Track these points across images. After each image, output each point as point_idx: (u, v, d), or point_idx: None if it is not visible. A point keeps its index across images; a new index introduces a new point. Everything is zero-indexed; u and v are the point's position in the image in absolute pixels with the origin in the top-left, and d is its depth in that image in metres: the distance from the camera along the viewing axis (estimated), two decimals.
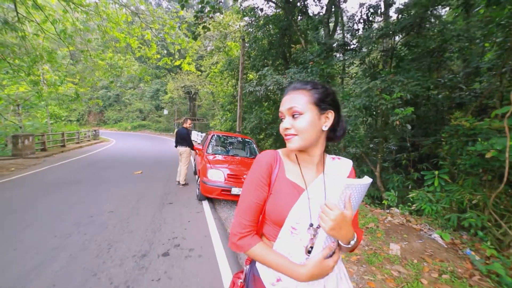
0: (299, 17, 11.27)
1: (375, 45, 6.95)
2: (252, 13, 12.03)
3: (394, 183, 6.07)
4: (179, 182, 6.38)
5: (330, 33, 9.85)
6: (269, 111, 11.97)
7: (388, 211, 5.14)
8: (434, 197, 4.58)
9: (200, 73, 26.88)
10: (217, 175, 4.72)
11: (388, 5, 7.66)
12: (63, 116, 23.13)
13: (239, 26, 16.72)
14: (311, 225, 0.83)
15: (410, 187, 5.91)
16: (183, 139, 6.18)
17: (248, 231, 0.89)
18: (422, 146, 6.62)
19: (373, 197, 6.71)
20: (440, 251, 3.35)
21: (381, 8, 7.80)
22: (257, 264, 0.93)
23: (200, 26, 8.52)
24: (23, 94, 12.58)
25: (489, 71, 6.07)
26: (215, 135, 6.70)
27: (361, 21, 8.03)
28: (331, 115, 0.87)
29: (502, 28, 5.36)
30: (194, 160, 7.25)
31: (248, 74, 14.02)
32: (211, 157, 5.51)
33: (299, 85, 0.89)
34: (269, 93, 8.60)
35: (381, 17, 8.26)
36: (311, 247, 0.82)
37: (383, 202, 5.39)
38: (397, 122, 4.71)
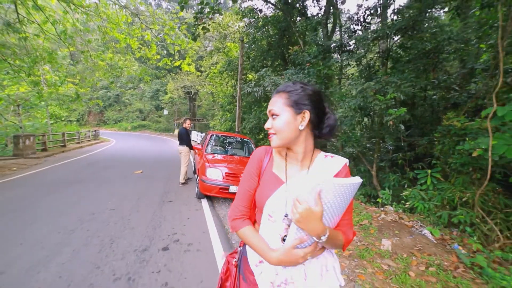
0: (298, 18, 11.39)
1: (371, 47, 7.07)
2: (251, 14, 12.14)
3: (390, 182, 6.19)
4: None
5: (329, 34, 9.98)
6: None
7: (382, 209, 5.26)
8: (426, 195, 4.73)
9: (200, 73, 27.01)
10: (215, 174, 4.86)
11: (385, 7, 7.78)
12: (63, 116, 23.26)
13: (239, 27, 16.86)
14: (286, 215, 0.93)
15: (406, 186, 6.03)
16: (182, 138, 6.36)
17: (240, 215, 1.03)
18: (418, 145, 6.74)
19: (370, 196, 6.83)
20: (429, 246, 3.49)
21: (379, 9, 7.91)
22: (246, 246, 1.07)
23: (200, 27, 8.65)
24: (23, 94, 12.69)
25: (485, 72, 6.19)
26: (214, 135, 6.84)
27: (358, 22, 8.15)
28: (307, 115, 0.92)
29: (496, 30, 5.49)
30: (194, 159, 7.38)
31: (248, 75, 14.15)
32: (210, 157, 5.65)
33: (281, 88, 0.97)
34: (268, 94, 8.73)
35: (379, 17, 8.38)
36: (286, 236, 0.91)
37: (377, 200, 5.52)
38: (391, 122, 4.84)
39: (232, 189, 4.74)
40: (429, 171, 4.93)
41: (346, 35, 8.71)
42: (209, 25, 11.96)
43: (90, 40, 10.75)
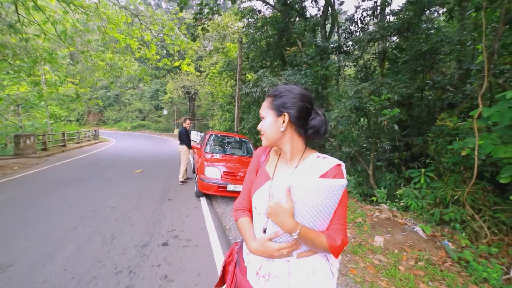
0: (297, 19, 11.48)
1: (367, 48, 7.19)
2: (250, 14, 12.23)
3: (386, 181, 6.31)
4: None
5: (327, 35, 10.09)
6: None
7: (377, 207, 5.38)
8: (420, 193, 4.85)
9: (199, 73, 27.11)
10: (214, 173, 4.98)
11: (383, 9, 7.89)
12: (62, 116, 23.34)
13: (238, 27, 16.96)
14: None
15: (402, 185, 6.15)
16: (181, 138, 6.55)
17: (241, 206, 1.14)
18: (414, 145, 6.86)
19: (366, 195, 6.95)
20: (420, 242, 3.61)
21: (376, 10, 8.02)
22: None
23: (199, 28, 8.76)
24: (23, 94, 12.77)
25: (480, 73, 6.31)
26: (213, 135, 6.96)
27: (355, 24, 8.26)
28: (286, 117, 0.95)
29: (490, 31, 5.62)
30: (193, 159, 7.50)
31: (247, 75, 14.25)
32: (208, 156, 5.76)
33: (270, 92, 1.03)
34: (267, 93, 8.82)
35: (377, 18, 8.49)
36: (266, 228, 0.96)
37: (372, 198, 5.64)
38: (385, 123, 4.96)
39: (230, 187, 4.86)
40: (422, 170, 5.05)
41: (343, 36, 8.82)
42: (208, 25, 12.06)
43: (90, 40, 10.85)
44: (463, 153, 3.57)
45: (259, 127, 1.06)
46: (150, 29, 10.52)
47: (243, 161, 5.81)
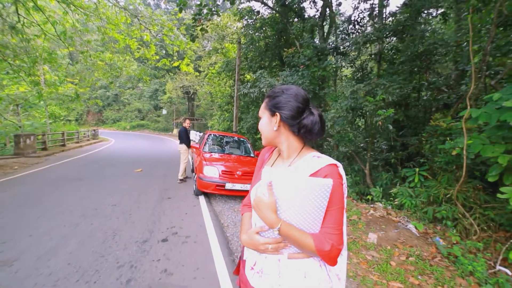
0: (296, 19, 11.58)
1: (363, 50, 7.30)
2: (249, 15, 12.32)
3: (383, 181, 6.42)
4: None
5: (325, 36, 10.19)
6: None
7: (372, 205, 5.50)
8: (414, 192, 4.97)
9: (198, 73, 27.19)
10: (212, 172, 5.08)
11: (380, 12, 8.00)
12: (61, 115, 23.39)
13: (237, 27, 17.06)
14: None
15: (398, 184, 6.26)
16: (181, 137, 6.71)
17: (247, 202, 1.18)
18: (410, 145, 6.97)
19: (363, 194, 7.06)
20: (412, 238, 3.73)
21: (373, 12, 8.13)
22: None
23: (198, 28, 8.85)
24: (22, 94, 12.83)
25: (478, 73, 6.41)
26: (212, 135, 7.08)
27: (352, 25, 8.37)
28: (278, 117, 0.98)
29: (485, 33, 5.74)
30: (192, 158, 7.61)
31: (245, 75, 14.35)
32: (207, 155, 5.87)
33: (269, 93, 1.05)
34: (265, 94, 8.93)
35: (373, 20, 8.61)
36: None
37: (367, 197, 5.75)
38: (380, 123, 5.07)
39: (228, 186, 4.97)
40: (417, 169, 5.17)
41: (340, 38, 8.93)
42: (207, 26, 12.13)
43: (89, 40, 10.93)
44: (454, 153, 3.69)
45: (259, 126, 1.12)
46: (150, 29, 10.60)
47: (241, 160, 5.93)
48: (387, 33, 6.16)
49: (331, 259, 0.86)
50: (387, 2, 7.61)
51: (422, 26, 7.00)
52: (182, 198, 5.28)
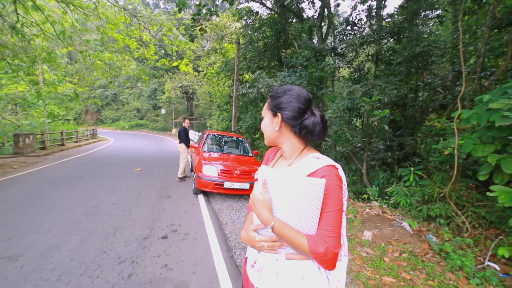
0: (294, 20, 11.66)
1: (361, 51, 7.40)
2: (248, 15, 12.39)
3: (379, 180, 6.53)
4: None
5: (323, 36, 10.29)
6: None
7: (368, 204, 5.60)
8: (409, 191, 5.07)
9: (197, 73, 27.24)
10: (211, 171, 5.17)
11: (378, 14, 8.09)
12: (60, 115, 23.37)
13: (235, 28, 17.13)
14: None
15: (394, 183, 6.36)
16: (180, 137, 6.83)
17: None
18: (407, 145, 7.08)
19: (360, 193, 7.17)
20: (406, 236, 3.83)
21: (371, 13, 8.22)
22: None
23: (197, 28, 8.90)
24: (21, 93, 12.83)
25: (470, 74, 6.53)
26: (210, 134, 7.16)
27: (350, 26, 8.47)
28: (279, 117, 0.98)
29: (480, 35, 5.84)
30: (191, 157, 7.69)
31: (244, 75, 14.42)
32: (206, 155, 5.95)
33: (271, 93, 1.06)
34: (263, 95, 9.04)
35: (370, 22, 8.71)
36: None
37: (363, 196, 5.86)
38: (375, 123, 5.17)
39: (227, 185, 5.05)
40: (412, 168, 5.27)
41: (338, 39, 9.02)
42: (206, 26, 12.17)
43: (89, 40, 10.97)
44: (446, 152, 3.79)
45: (261, 126, 1.12)
46: (149, 29, 10.65)
47: (240, 159, 6.02)
48: (384, 34, 6.25)
49: (326, 262, 0.83)
50: (383, 3, 7.71)
51: (420, 27, 7.12)
52: (182, 197, 5.36)
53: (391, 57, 7.53)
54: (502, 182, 3.05)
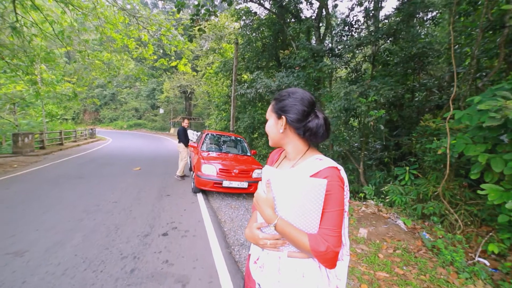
0: (292, 20, 11.74)
1: (357, 52, 7.50)
2: (247, 15, 12.46)
3: (376, 179, 6.63)
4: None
5: (321, 37, 10.38)
6: (263, 111, 12.47)
7: (364, 202, 5.70)
8: (404, 190, 5.17)
9: (195, 73, 27.27)
10: (210, 170, 5.25)
11: (375, 16, 8.19)
12: (58, 114, 23.33)
13: (234, 28, 17.20)
14: None
15: (391, 182, 6.46)
16: (179, 136, 6.93)
17: None
18: (403, 145, 7.18)
19: (357, 192, 7.27)
20: (400, 233, 3.93)
21: (369, 14, 8.32)
22: None
23: (196, 29, 8.96)
24: (19, 93, 12.83)
25: (468, 75, 6.63)
26: (209, 134, 7.25)
27: (347, 28, 8.57)
28: (284, 120, 1.01)
29: (475, 36, 5.95)
30: (190, 157, 7.77)
31: (243, 75, 14.50)
32: (205, 154, 6.04)
33: (276, 96, 1.08)
34: (262, 94, 9.13)
35: (367, 23, 8.81)
36: None
37: (359, 194, 5.96)
38: (371, 123, 5.27)
39: (225, 183, 5.14)
40: (407, 168, 5.38)
41: (335, 40, 9.12)
42: (205, 27, 12.22)
43: (87, 40, 11.01)
44: (439, 152, 3.89)
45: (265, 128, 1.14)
46: (147, 29, 10.70)
47: (238, 159, 6.10)
48: (380, 36, 6.36)
49: (327, 261, 0.85)
50: (380, 4, 7.81)
51: (418, 28, 7.22)
52: (181, 195, 5.45)
53: (388, 58, 7.63)
54: (493, 180, 3.16)
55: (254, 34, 12.46)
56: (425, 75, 7.87)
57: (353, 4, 8.27)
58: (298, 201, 0.87)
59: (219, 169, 5.29)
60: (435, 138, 4.53)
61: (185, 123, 7.01)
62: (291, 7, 10.83)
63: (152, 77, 38.63)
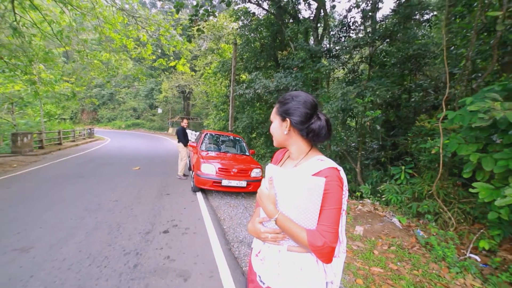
0: (291, 21, 11.82)
1: (355, 52, 7.60)
2: (245, 16, 12.53)
3: (373, 179, 6.73)
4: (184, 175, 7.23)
5: (319, 38, 10.48)
6: (261, 111, 12.56)
7: (361, 201, 5.81)
8: (400, 189, 5.28)
9: (194, 73, 27.32)
10: (209, 169, 5.34)
11: (372, 17, 8.30)
12: (56, 114, 23.28)
13: (232, 28, 17.27)
14: None
15: (387, 182, 6.57)
16: (178, 136, 7.02)
17: None
18: (400, 144, 7.28)
19: (354, 191, 7.36)
20: (395, 231, 4.03)
21: (366, 16, 8.43)
22: None
23: (195, 29, 9.03)
24: (17, 92, 12.83)
25: (461, 76, 6.74)
26: (208, 134, 7.33)
27: (344, 29, 8.67)
28: (288, 122, 1.06)
29: (470, 37, 6.07)
30: (189, 156, 7.85)
31: (241, 75, 14.57)
32: (204, 153, 6.13)
33: (279, 99, 1.14)
34: (260, 94, 9.21)
35: (364, 25, 8.92)
36: None
37: (356, 193, 6.06)
38: (368, 123, 5.37)
39: (224, 182, 5.23)
40: (403, 167, 5.49)
41: (333, 41, 9.22)
42: (203, 27, 12.30)
43: (86, 40, 11.04)
44: (433, 151, 4.00)
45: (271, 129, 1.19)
46: (146, 29, 10.75)
47: (237, 158, 6.19)
48: (377, 37, 6.47)
49: (323, 256, 0.90)
50: (377, 6, 7.91)
51: (415, 29, 7.32)
52: (181, 194, 5.53)
53: (385, 59, 7.75)
54: (484, 179, 3.26)
55: (252, 35, 12.52)
56: (421, 76, 8.00)
57: (350, 6, 8.37)
58: (298, 198, 0.92)
59: (218, 168, 5.38)
60: (429, 138, 4.63)
61: (184, 123, 7.09)
62: (289, 7, 10.92)
63: (151, 77, 38.61)
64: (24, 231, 3.18)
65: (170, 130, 35.14)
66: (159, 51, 16.95)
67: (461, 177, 4.86)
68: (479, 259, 3.09)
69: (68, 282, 2.25)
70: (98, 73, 12.64)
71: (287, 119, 1.06)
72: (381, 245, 3.56)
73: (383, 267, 2.97)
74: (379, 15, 8.27)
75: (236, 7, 13.21)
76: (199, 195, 5.56)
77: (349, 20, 8.50)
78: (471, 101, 3.21)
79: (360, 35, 8.42)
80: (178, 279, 2.45)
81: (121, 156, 10.90)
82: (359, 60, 8.30)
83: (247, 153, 6.86)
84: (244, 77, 14.35)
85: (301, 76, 7.50)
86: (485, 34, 6.11)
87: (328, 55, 8.79)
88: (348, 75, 8.27)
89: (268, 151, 11.56)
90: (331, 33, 9.73)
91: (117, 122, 40.50)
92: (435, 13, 7.32)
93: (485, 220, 3.63)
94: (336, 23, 10.61)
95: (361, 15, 8.36)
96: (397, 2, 7.06)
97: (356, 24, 8.61)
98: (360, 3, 7.97)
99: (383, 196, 5.45)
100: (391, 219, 4.60)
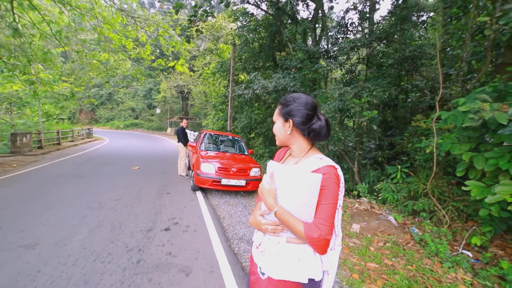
0: (289, 21, 11.90)
1: (353, 53, 7.70)
2: (244, 16, 12.60)
3: (370, 178, 6.83)
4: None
5: (317, 39, 10.57)
6: (259, 111, 12.64)
7: (358, 200, 5.90)
8: (396, 188, 5.38)
9: (192, 73, 27.35)
10: (209, 168, 5.42)
11: (370, 18, 8.40)
12: (55, 114, 23.24)
13: (231, 29, 17.33)
14: None
15: (385, 181, 6.67)
16: (178, 136, 7.11)
17: None
18: (397, 144, 7.38)
19: (351, 190, 7.45)
20: (391, 228, 4.13)
21: (364, 17, 8.52)
22: None
23: (193, 29, 9.11)
24: (15, 92, 12.84)
25: (457, 76, 6.84)
26: (207, 134, 7.41)
27: (342, 30, 8.78)
28: (290, 123, 1.12)
29: (464, 39, 6.18)
30: (188, 156, 7.92)
31: (240, 75, 14.64)
32: (203, 153, 6.20)
33: (281, 100, 1.20)
34: (258, 95, 9.29)
35: (366, 23, 9.00)
36: None
37: (353, 192, 6.16)
38: (364, 123, 5.47)
39: (224, 181, 5.31)
40: (399, 166, 5.59)
41: (330, 42, 9.31)
42: (202, 27, 12.36)
43: (85, 40, 11.09)
44: (427, 151, 4.10)
45: (274, 129, 1.26)
46: (145, 30, 10.81)
47: (236, 158, 6.27)
48: (374, 39, 6.57)
49: (319, 247, 0.96)
50: (374, 7, 8.02)
51: (412, 30, 7.42)
52: (181, 193, 5.61)
53: (382, 60, 7.85)
54: (476, 177, 3.37)
55: (251, 35, 12.58)
56: (418, 77, 8.11)
57: (348, 7, 8.48)
58: (297, 192, 0.98)
59: (218, 167, 5.46)
60: (424, 138, 4.73)
61: (184, 123, 7.18)
62: (288, 8, 11.00)
63: (150, 77, 38.59)
64: (27, 229, 3.25)
65: (169, 130, 35.14)
66: (158, 51, 17.03)
67: (455, 176, 4.98)
68: (471, 255, 3.19)
69: (74, 277, 2.32)
70: (96, 73, 12.68)
71: (290, 120, 1.12)
72: (377, 242, 3.66)
73: (378, 262, 3.06)
74: (376, 16, 8.40)
75: (234, 8, 13.28)
76: (199, 194, 5.64)
77: (346, 21, 8.59)
78: (463, 102, 3.31)
79: (358, 36, 8.54)
80: (180, 274, 2.54)
81: (120, 156, 10.96)
82: (357, 61, 8.40)
83: (246, 153, 6.94)
84: (242, 77, 14.43)
85: (299, 77, 7.59)
86: (480, 35, 6.21)
87: (326, 56, 8.88)
88: (346, 76, 8.37)
89: (266, 151, 11.66)
90: (329, 34, 9.82)
91: (116, 122, 40.42)
92: (431, 14, 7.46)
93: (477, 217, 3.73)
94: (334, 24, 10.71)
95: (359, 16, 8.47)
96: (394, 3, 7.18)
97: (354, 25, 8.71)
98: (358, 4, 8.08)
99: (379, 195, 5.55)
100: (387, 217, 4.70)
